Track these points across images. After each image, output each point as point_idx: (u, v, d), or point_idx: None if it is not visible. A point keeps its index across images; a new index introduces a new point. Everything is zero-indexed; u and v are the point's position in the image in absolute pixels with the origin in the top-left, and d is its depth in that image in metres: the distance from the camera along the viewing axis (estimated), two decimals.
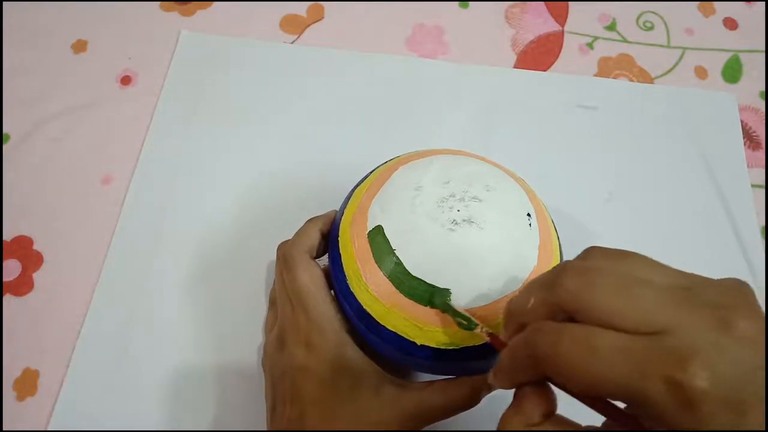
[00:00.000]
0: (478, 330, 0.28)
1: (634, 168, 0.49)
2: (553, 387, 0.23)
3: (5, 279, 0.43)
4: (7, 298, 0.42)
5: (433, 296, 0.29)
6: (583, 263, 0.23)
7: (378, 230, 0.31)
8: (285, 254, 0.35)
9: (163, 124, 0.49)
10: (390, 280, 0.30)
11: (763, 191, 0.49)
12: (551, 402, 0.23)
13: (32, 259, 0.43)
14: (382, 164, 0.37)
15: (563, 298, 0.21)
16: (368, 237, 0.31)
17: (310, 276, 0.33)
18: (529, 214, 0.31)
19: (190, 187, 0.46)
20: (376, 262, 0.30)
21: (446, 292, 0.29)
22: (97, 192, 0.46)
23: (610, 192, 0.48)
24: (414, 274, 0.29)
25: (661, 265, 0.22)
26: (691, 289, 0.20)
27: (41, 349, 0.40)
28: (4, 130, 0.48)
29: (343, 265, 0.32)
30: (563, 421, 0.23)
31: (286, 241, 0.36)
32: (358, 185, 0.36)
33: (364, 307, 0.31)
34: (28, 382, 0.39)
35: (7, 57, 0.51)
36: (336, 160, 0.48)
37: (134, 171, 0.46)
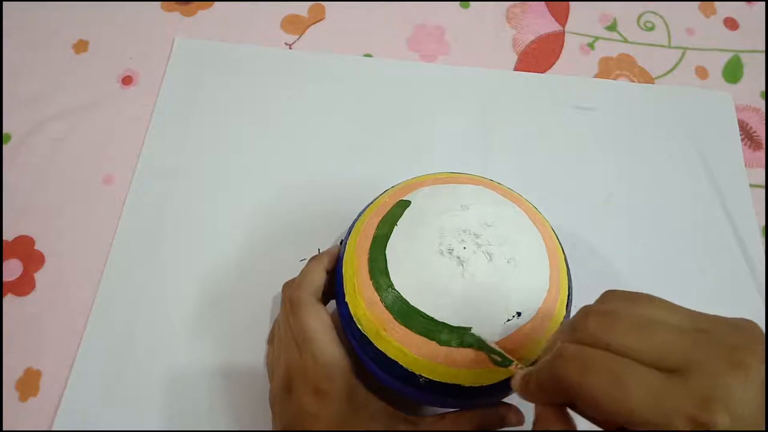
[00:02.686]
0: (513, 367, 0.27)
1: (633, 169, 0.49)
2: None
3: (7, 279, 0.43)
4: (9, 298, 0.42)
5: (463, 337, 0.29)
6: (602, 306, 0.24)
7: (379, 246, 0.31)
8: (291, 298, 0.34)
9: (162, 125, 0.49)
10: (384, 305, 0.30)
11: (763, 191, 0.49)
12: (571, 426, 0.24)
13: (34, 259, 0.43)
14: (395, 186, 0.37)
15: (586, 340, 0.23)
16: (368, 253, 0.32)
17: (318, 320, 0.33)
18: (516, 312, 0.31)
19: (191, 186, 0.46)
20: (372, 280, 0.31)
21: (467, 330, 0.29)
22: (98, 191, 0.46)
23: (610, 193, 0.48)
24: (411, 302, 0.30)
25: (675, 306, 0.23)
26: (707, 330, 0.22)
27: (43, 349, 0.40)
28: (6, 130, 0.48)
29: (344, 285, 0.32)
30: None
31: (291, 282, 0.36)
32: (366, 209, 0.36)
33: (362, 330, 0.31)
34: (30, 383, 0.39)
35: (8, 57, 0.51)
36: (335, 160, 0.48)
37: (135, 171, 0.47)
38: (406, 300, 0.30)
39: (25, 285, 0.42)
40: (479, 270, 0.30)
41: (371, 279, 0.31)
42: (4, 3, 0.54)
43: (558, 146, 0.50)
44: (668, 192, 0.48)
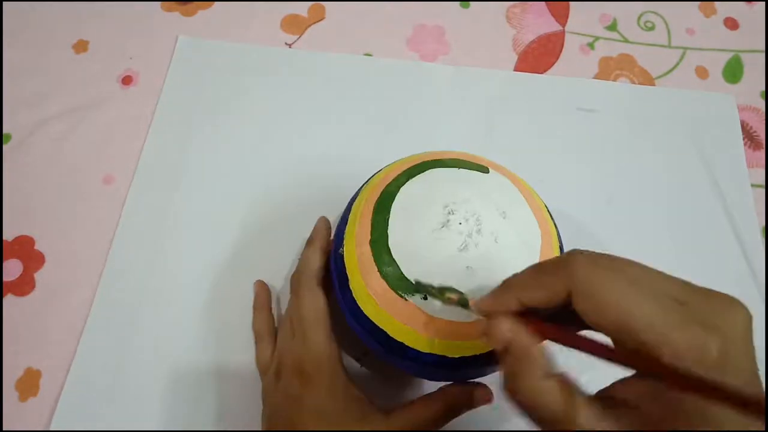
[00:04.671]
0: (472, 304, 0.28)
1: (634, 170, 0.49)
2: None
3: (7, 279, 0.43)
4: (9, 298, 0.42)
5: (419, 287, 0.30)
6: (593, 255, 0.23)
7: (381, 238, 0.31)
8: (291, 282, 0.36)
9: (163, 125, 0.49)
10: (386, 282, 0.30)
11: (763, 191, 0.49)
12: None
13: (34, 259, 0.43)
14: (384, 168, 0.37)
15: (574, 286, 0.22)
16: (370, 244, 0.32)
17: (314, 304, 0.34)
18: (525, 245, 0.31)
19: (191, 186, 0.46)
20: (376, 265, 0.31)
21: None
22: (98, 192, 0.46)
23: (611, 194, 0.48)
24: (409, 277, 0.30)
25: (659, 273, 0.23)
26: (687, 303, 0.21)
27: (43, 349, 0.40)
28: (6, 130, 0.48)
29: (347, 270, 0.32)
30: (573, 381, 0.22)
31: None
32: (357, 194, 0.36)
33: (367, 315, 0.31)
34: (30, 383, 0.39)
35: (8, 57, 0.51)
36: (334, 161, 0.48)
37: (135, 170, 0.47)
38: (402, 273, 0.30)
39: (25, 285, 0.42)
40: (478, 248, 0.30)
41: (372, 250, 0.31)
42: (4, 3, 0.54)
43: (559, 147, 0.49)
44: (669, 193, 0.48)
